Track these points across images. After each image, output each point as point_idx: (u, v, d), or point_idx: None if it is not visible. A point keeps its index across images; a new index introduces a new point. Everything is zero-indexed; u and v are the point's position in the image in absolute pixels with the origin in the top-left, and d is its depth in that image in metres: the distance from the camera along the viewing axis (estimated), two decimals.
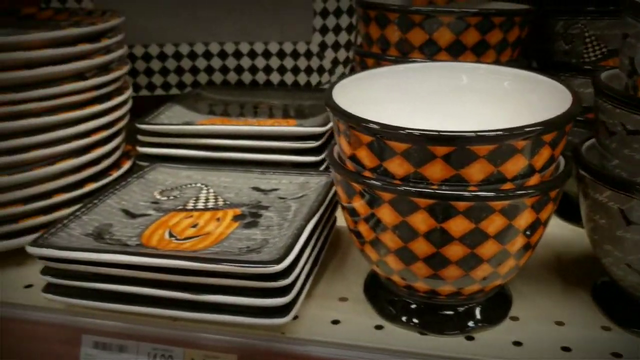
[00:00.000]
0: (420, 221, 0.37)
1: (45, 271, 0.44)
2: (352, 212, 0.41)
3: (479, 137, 0.34)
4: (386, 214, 0.38)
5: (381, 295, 0.46)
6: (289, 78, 0.78)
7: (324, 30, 0.75)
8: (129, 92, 0.60)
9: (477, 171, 0.35)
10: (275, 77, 0.78)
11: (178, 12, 0.77)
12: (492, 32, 0.51)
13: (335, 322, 0.44)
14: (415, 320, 0.43)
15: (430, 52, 0.52)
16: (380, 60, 0.54)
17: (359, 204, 0.40)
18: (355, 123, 0.38)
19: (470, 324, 0.43)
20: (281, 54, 0.77)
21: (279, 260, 0.39)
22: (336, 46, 0.74)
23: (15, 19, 0.68)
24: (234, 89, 0.76)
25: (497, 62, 0.53)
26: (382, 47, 0.54)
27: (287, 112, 0.69)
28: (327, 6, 0.74)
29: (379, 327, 0.44)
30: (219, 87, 0.77)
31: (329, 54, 0.75)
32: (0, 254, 0.52)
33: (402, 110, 0.45)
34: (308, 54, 0.76)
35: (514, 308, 0.46)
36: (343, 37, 0.74)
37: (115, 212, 0.50)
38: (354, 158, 0.39)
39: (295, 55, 0.77)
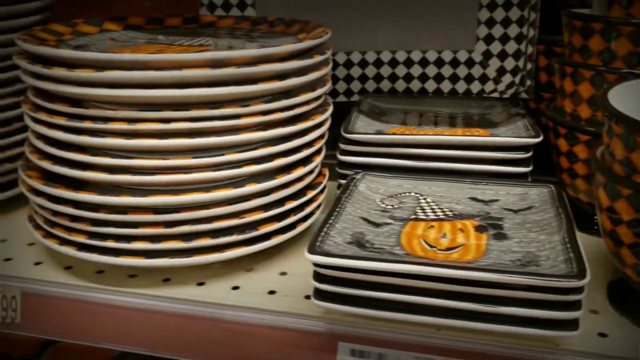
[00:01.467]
0: None
1: (319, 279, 0.45)
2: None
3: None
4: None
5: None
6: (445, 86, 0.79)
7: (488, 39, 0.75)
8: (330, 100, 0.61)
9: None
10: (430, 85, 0.79)
11: (333, 22, 0.78)
12: None
13: (602, 334, 0.45)
14: None
15: None
16: (602, 72, 0.55)
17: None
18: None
19: None
20: (439, 62, 0.78)
21: (580, 275, 0.40)
22: (502, 55, 0.75)
23: (198, 27, 0.69)
24: (398, 97, 0.77)
25: None
26: (603, 59, 0.55)
27: (470, 121, 0.69)
28: (493, 16, 0.74)
29: None
30: (382, 95, 0.78)
31: (494, 63, 0.76)
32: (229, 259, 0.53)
33: None
34: (469, 63, 0.77)
35: None
36: (511, 47, 0.74)
37: (357, 220, 0.51)
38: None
39: (454, 63, 0.78)
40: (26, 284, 0.53)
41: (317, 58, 0.53)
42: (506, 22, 0.74)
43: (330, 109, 0.58)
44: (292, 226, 0.54)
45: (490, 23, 0.75)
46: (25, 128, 0.66)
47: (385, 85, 0.80)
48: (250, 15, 0.76)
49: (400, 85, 0.80)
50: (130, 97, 0.46)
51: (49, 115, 0.49)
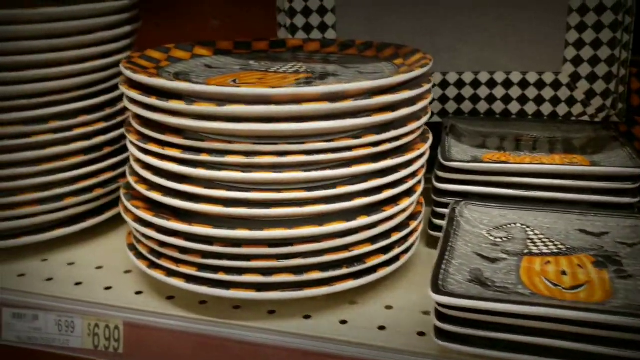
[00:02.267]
0: None
1: (441, 318, 0.43)
2: None
3: None
4: None
5: None
6: (530, 108, 0.77)
7: (577, 61, 0.73)
8: None
9: None
10: (514, 107, 0.77)
11: (415, 42, 0.77)
12: None
13: None
14: None
15: None
16: None
17: None
18: None
19: None
20: (524, 84, 0.76)
21: None
22: (592, 77, 0.73)
23: (285, 51, 0.69)
24: (484, 120, 0.76)
25: None
26: None
27: (560, 146, 0.68)
28: (582, 37, 0.73)
29: None
30: (466, 118, 0.77)
31: (583, 85, 0.74)
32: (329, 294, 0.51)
33: None
34: (556, 85, 0.75)
35: None
36: (602, 69, 0.72)
37: (471, 255, 0.49)
38: None
39: (540, 85, 0.76)
40: (129, 314, 0.53)
41: (425, 87, 0.52)
42: (597, 44, 0.72)
43: (431, 137, 0.57)
44: (396, 258, 0.53)
45: (579, 44, 0.73)
46: (115, 153, 0.67)
47: (467, 106, 0.79)
48: (336, 38, 0.76)
49: (482, 106, 0.78)
50: (250, 131, 0.45)
51: (160, 146, 0.49)
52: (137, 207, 0.51)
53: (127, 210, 0.53)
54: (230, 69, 0.60)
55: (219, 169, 0.47)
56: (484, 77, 0.77)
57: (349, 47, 0.67)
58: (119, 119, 0.67)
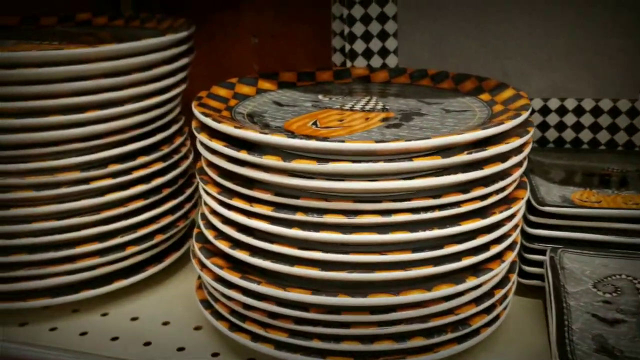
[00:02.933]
0: None
1: None
2: None
3: None
4: None
5: None
6: (603, 136, 0.73)
7: None
8: None
9: None
10: (585, 135, 0.73)
11: (483, 65, 0.73)
12: None
13: None
14: None
15: None
16: None
17: None
18: None
19: None
20: (596, 111, 0.72)
21: None
22: None
23: (352, 81, 0.64)
24: (558, 151, 0.72)
25: None
26: None
27: None
28: None
29: None
30: (535, 148, 0.73)
31: None
32: None
33: None
34: (632, 112, 0.71)
35: None
36: None
37: (587, 317, 0.45)
38: None
39: (614, 113, 0.72)
40: None
41: (531, 131, 0.47)
42: None
43: (528, 184, 0.52)
44: (497, 316, 0.49)
45: None
46: (173, 194, 0.62)
47: (534, 134, 0.75)
48: (405, 67, 0.71)
49: (551, 134, 0.74)
50: (353, 189, 0.41)
51: (247, 202, 0.44)
52: (220, 267, 0.47)
53: (203, 266, 0.49)
54: (302, 107, 0.56)
55: (316, 229, 0.42)
56: (554, 104, 0.73)
57: (421, 78, 0.63)
58: (176, 157, 0.63)
